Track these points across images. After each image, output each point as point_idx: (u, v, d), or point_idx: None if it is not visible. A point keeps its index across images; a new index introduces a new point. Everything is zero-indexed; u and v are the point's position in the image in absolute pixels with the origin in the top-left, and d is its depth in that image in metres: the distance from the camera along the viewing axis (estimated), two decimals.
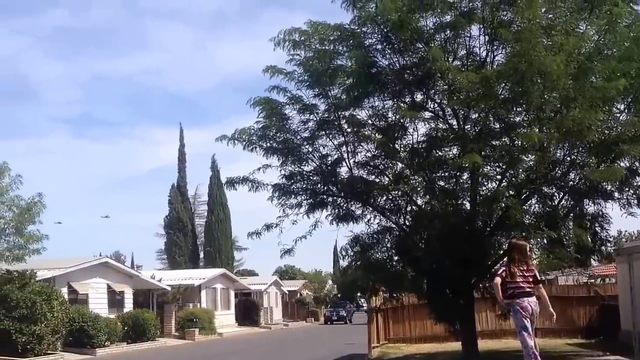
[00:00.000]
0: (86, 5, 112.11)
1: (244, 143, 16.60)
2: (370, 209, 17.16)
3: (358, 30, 15.37)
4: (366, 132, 16.58)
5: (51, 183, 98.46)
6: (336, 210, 17.17)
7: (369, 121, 16.53)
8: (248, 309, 54.00)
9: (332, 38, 15.60)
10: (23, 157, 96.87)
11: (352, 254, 17.05)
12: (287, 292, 67.50)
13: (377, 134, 16.50)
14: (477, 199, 15.71)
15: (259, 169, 16.84)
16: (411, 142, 16.33)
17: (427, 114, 15.92)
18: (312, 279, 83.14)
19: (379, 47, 15.58)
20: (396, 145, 16.37)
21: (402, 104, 15.76)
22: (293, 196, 17.11)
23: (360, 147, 16.80)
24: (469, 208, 15.95)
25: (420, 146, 16.17)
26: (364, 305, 60.18)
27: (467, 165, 14.05)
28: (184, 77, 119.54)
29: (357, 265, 17.32)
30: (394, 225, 17.18)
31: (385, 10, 14.18)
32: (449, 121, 15.89)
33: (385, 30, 15.07)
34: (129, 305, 36.32)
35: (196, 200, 70.81)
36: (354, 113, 16.36)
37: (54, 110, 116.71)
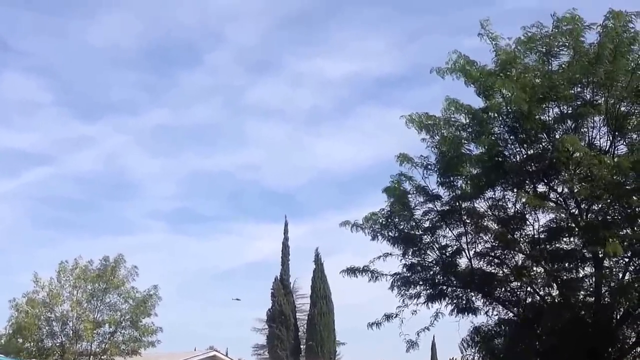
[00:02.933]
0: (187, 104, 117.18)
1: (367, 231, 16.80)
2: (490, 300, 17.00)
3: (486, 117, 15.57)
4: (485, 223, 16.57)
5: (152, 277, 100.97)
6: (455, 301, 17.07)
7: (488, 212, 16.52)
8: None
9: (458, 124, 15.86)
10: (129, 253, 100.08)
11: (472, 344, 16.86)
12: None
13: (496, 225, 16.47)
14: (603, 290, 15.34)
15: (379, 257, 16.97)
16: (531, 232, 16.27)
17: (550, 204, 15.83)
18: None
19: (505, 136, 15.72)
20: (515, 236, 16.36)
21: (524, 194, 15.76)
22: (412, 286, 17.11)
23: (480, 237, 16.77)
24: (592, 300, 15.59)
25: (540, 237, 16.09)
26: None
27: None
28: (281, 172, 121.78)
29: (480, 357, 17.02)
30: (514, 317, 16.94)
31: (517, 100, 14.36)
32: (571, 211, 15.75)
33: (511, 120, 15.24)
34: None
35: (295, 294, 71.03)
36: (475, 204, 16.44)
37: (153, 205, 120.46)
